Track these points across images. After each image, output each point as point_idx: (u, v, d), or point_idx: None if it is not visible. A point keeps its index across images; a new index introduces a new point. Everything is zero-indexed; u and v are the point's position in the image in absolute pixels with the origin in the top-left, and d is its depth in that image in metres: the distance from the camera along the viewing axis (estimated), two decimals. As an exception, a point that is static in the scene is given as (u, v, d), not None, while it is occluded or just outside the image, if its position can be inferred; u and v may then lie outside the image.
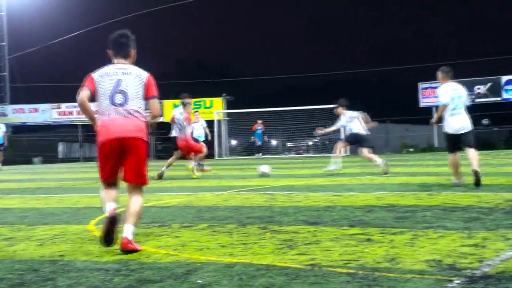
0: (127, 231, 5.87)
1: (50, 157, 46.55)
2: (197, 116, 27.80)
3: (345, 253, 5.24)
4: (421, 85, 41.41)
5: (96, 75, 6.48)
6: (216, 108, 45.50)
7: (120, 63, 6.62)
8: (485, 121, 42.27)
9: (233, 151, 40.17)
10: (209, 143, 27.62)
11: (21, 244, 6.44)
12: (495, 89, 40.17)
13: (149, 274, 4.71)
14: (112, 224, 5.91)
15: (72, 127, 49.00)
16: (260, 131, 39.95)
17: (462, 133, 11.88)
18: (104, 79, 6.43)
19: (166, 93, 50.53)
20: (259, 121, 40.04)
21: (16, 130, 50.74)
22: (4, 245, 6.39)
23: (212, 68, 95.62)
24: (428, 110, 38.90)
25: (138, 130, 6.36)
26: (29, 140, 51.11)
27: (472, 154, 11.61)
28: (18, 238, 6.87)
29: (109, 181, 6.42)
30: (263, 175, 17.35)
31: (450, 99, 11.95)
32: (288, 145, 47.73)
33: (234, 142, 41.34)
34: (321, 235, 6.26)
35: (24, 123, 48.64)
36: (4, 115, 46.78)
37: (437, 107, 39.16)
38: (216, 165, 27.64)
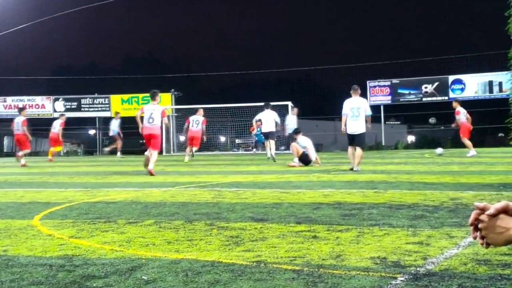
0: (151, 165, 16.34)
1: (-5, 151, 45.85)
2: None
3: (291, 250, 5.25)
4: (370, 83, 41.75)
5: (144, 108, 17.06)
6: (164, 104, 45.39)
7: (152, 103, 17.18)
8: (432, 120, 42.88)
9: (181, 147, 39.82)
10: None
11: (-38, 239, 6.31)
12: (442, 89, 40.75)
13: (93, 270, 4.65)
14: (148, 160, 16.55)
15: (18, 121, 48.19)
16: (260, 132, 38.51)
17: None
18: (145, 111, 16.81)
19: (113, 88, 50.17)
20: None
21: (-41, 123, 49.87)
22: None
23: (161, 64, 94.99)
24: (377, 108, 39.20)
25: (156, 131, 16.88)
26: (-27, 133, 50.23)
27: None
28: (-41, 233, 6.73)
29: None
30: (440, 154, 25.16)
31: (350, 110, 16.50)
32: (237, 142, 47.62)
33: (182, 138, 40.96)
34: (267, 232, 6.27)
35: (-32, 116, 47.84)
36: None
37: (384, 105, 39.31)
38: (164, 161, 27.51)
